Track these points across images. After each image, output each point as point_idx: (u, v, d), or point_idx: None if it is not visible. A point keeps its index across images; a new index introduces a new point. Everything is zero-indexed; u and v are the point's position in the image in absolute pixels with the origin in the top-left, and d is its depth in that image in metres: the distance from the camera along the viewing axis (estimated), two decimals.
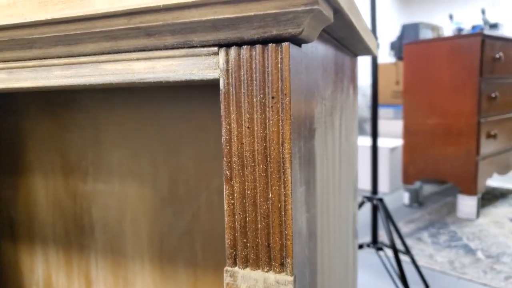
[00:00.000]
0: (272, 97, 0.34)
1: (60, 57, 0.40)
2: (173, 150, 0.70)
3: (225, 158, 0.36)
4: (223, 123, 0.35)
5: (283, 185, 0.34)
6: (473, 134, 2.16)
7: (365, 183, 2.90)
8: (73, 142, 0.80)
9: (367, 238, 1.89)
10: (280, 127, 0.34)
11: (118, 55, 0.38)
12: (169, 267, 0.76)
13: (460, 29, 2.76)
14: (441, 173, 2.31)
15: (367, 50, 0.65)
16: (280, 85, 0.33)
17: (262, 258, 0.36)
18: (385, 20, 4.51)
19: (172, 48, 0.36)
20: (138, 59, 0.37)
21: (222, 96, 0.35)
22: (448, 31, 3.57)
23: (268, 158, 0.35)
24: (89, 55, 0.39)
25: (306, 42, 0.35)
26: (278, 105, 0.34)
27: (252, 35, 0.33)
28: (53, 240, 0.87)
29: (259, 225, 0.36)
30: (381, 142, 3.01)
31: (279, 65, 0.33)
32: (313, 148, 0.41)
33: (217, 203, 0.68)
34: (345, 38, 0.52)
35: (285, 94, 0.33)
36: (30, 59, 0.41)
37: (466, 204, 2.22)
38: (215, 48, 0.35)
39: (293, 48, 0.34)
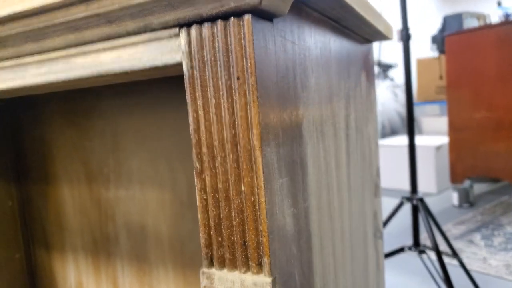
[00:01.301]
0: (238, 78, 0.30)
1: (32, 54, 0.39)
2: (189, 153, 0.69)
3: (194, 150, 0.33)
4: (189, 110, 0.32)
5: (255, 176, 0.31)
6: None
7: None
8: (94, 150, 0.80)
9: (409, 240, 1.78)
10: (248, 111, 0.30)
11: (85, 46, 0.36)
12: (192, 273, 0.74)
13: (508, 15, 2.57)
14: (493, 170, 2.14)
15: (377, 34, 0.60)
16: (244, 64, 0.30)
17: (239, 258, 0.32)
18: (426, 13, 4.31)
19: (135, 34, 0.34)
20: (104, 50, 0.35)
21: (186, 81, 0.32)
22: (496, 18, 3.34)
23: (238, 147, 0.31)
24: (58, 49, 0.37)
25: (275, 15, 0.32)
26: (244, 86, 0.30)
27: (210, 10, 0.30)
28: (82, 247, 0.88)
29: (234, 222, 0.32)
30: (426, 140, 2.86)
31: (242, 41, 0.30)
32: (299, 136, 0.37)
33: None
34: (343, 19, 0.47)
35: (251, 73, 0.30)
36: (6, 59, 0.40)
37: None
38: (176, 29, 0.32)
39: (260, 23, 0.31)
